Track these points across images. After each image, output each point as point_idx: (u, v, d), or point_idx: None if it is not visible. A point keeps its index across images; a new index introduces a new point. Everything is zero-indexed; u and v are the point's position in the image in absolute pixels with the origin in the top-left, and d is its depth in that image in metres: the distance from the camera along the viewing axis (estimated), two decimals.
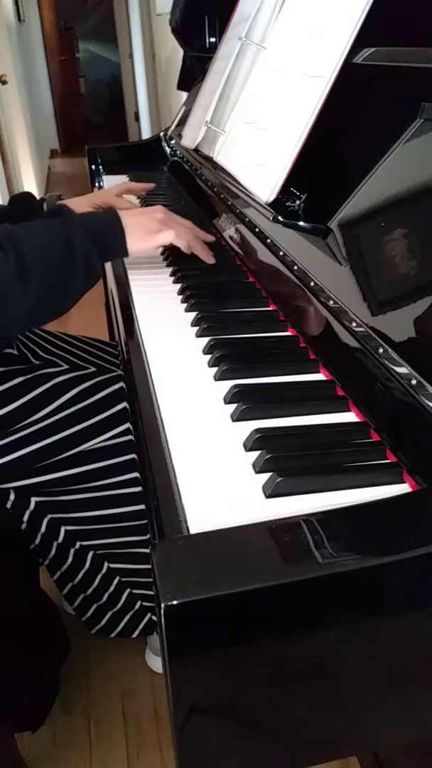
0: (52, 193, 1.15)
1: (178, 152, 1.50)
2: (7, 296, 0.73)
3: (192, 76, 1.58)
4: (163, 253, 0.99)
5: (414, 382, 0.51)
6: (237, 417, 0.58)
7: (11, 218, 1.05)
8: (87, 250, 0.77)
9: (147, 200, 1.29)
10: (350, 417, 0.58)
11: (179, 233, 0.86)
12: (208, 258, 0.90)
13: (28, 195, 1.16)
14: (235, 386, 0.61)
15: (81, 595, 1.04)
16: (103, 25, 7.42)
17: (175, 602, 0.37)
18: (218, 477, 0.50)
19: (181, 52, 1.64)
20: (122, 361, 0.78)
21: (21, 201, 1.12)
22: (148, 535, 0.53)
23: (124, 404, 0.92)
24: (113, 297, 0.91)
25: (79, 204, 1.10)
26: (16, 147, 3.81)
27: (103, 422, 0.91)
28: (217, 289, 0.84)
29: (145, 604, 1.06)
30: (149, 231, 0.84)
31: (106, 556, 1.01)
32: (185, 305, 0.81)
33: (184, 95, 1.66)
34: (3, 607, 0.96)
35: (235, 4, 1.05)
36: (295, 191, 0.78)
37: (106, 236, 0.81)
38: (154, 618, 1.07)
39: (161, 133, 1.68)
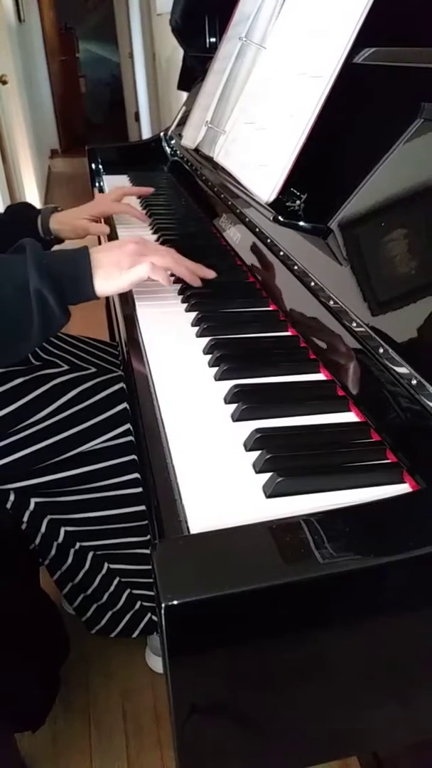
0: (48, 205, 1.13)
1: (178, 152, 1.50)
2: None
3: (192, 76, 1.58)
4: None
5: (414, 382, 0.51)
6: (237, 417, 0.58)
7: (5, 230, 1.05)
8: (43, 294, 0.70)
9: (147, 201, 1.29)
10: (350, 417, 0.58)
11: (157, 262, 0.77)
12: (193, 280, 0.83)
13: (24, 207, 1.14)
14: (236, 386, 0.61)
15: (81, 595, 1.04)
16: (103, 25, 7.42)
17: (175, 602, 0.37)
18: (218, 477, 0.50)
19: (181, 51, 1.64)
20: (122, 361, 0.78)
21: (16, 213, 1.12)
22: (148, 536, 0.52)
23: (124, 405, 0.92)
24: (113, 297, 0.91)
25: (74, 216, 1.09)
26: (16, 147, 3.81)
27: (103, 423, 0.91)
28: (217, 289, 0.84)
29: (145, 604, 1.06)
30: (121, 268, 0.75)
31: (106, 556, 1.01)
32: (185, 305, 0.81)
33: (184, 95, 1.66)
34: (3, 607, 0.96)
35: (235, 4, 1.05)
36: (295, 191, 0.78)
37: (70, 279, 0.73)
38: (154, 618, 1.07)
39: (161, 133, 1.68)
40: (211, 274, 0.84)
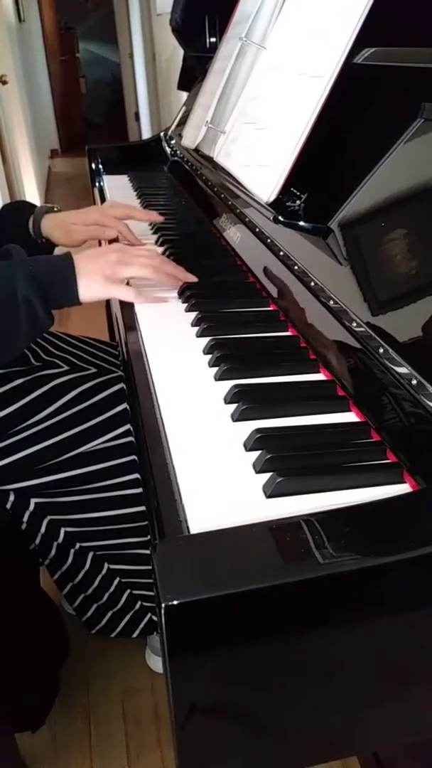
0: (45, 204, 1.06)
1: (178, 152, 1.50)
2: None
3: (192, 76, 1.58)
4: (163, 253, 0.99)
5: (414, 382, 0.51)
6: (237, 417, 0.58)
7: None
8: (30, 300, 0.72)
9: (147, 201, 1.29)
10: (350, 417, 0.58)
11: (137, 273, 0.80)
12: (175, 284, 0.84)
13: (19, 206, 1.08)
14: (236, 386, 0.61)
15: (81, 595, 1.04)
16: (103, 25, 7.42)
17: (175, 602, 0.37)
18: (218, 477, 0.50)
19: (181, 52, 1.64)
20: (122, 361, 0.78)
21: (12, 210, 1.07)
22: (148, 536, 0.52)
23: (124, 405, 0.92)
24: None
25: (68, 221, 1.01)
26: (16, 147, 3.81)
27: (103, 423, 0.91)
28: (217, 289, 0.84)
29: (145, 604, 1.06)
30: (105, 276, 0.77)
31: (106, 556, 1.01)
32: (185, 305, 0.81)
33: (184, 95, 1.66)
34: (3, 607, 0.96)
35: (236, 4, 1.05)
36: (295, 191, 0.78)
37: (55, 284, 0.75)
38: (154, 618, 1.07)
39: (161, 133, 1.68)
40: (191, 278, 0.85)
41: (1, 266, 0.74)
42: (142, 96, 4.79)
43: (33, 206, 1.05)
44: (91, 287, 0.77)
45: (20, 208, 1.06)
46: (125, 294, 0.79)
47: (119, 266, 0.79)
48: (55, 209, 1.05)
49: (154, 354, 0.69)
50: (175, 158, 1.52)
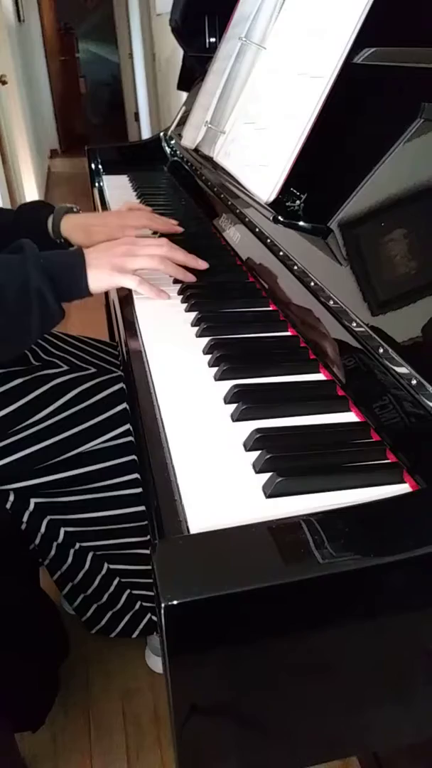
0: (63, 204, 1.04)
1: (178, 152, 1.50)
2: None
3: (192, 76, 1.58)
4: None
5: (414, 382, 0.51)
6: (237, 417, 0.58)
7: (16, 229, 1.00)
8: (43, 292, 0.74)
9: (147, 202, 1.29)
10: (350, 417, 0.58)
11: (145, 264, 0.81)
12: (185, 277, 0.85)
13: (37, 206, 1.06)
14: (236, 386, 0.61)
15: (81, 595, 1.04)
16: (103, 25, 7.41)
17: (175, 602, 0.37)
18: (218, 477, 0.50)
19: (181, 52, 1.64)
20: (122, 361, 0.78)
21: (29, 211, 1.05)
22: (148, 536, 0.52)
23: (124, 405, 0.92)
24: (113, 298, 0.91)
25: (90, 223, 1.00)
26: (16, 147, 3.81)
27: (103, 423, 0.91)
28: (217, 289, 0.84)
29: (144, 604, 1.06)
30: (113, 267, 0.80)
31: (106, 556, 1.01)
32: (185, 305, 0.81)
33: (184, 95, 1.66)
34: (3, 607, 0.96)
35: (235, 4, 1.05)
36: (295, 191, 0.78)
37: (66, 277, 0.78)
38: (154, 618, 1.07)
39: (161, 133, 1.68)
40: (202, 265, 0.87)
41: (13, 260, 0.76)
42: (142, 96, 4.79)
43: (52, 206, 1.04)
44: (99, 277, 0.79)
45: (39, 208, 1.05)
46: (128, 282, 0.81)
47: (128, 258, 0.81)
48: (75, 210, 1.04)
49: (153, 354, 0.69)
50: (175, 158, 1.52)
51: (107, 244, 0.84)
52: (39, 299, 0.74)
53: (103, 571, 1.02)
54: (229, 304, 0.80)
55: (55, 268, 0.77)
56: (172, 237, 0.98)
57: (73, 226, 1.01)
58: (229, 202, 0.99)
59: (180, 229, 1.04)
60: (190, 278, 0.85)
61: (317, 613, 0.41)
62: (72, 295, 0.79)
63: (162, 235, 0.99)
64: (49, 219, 1.01)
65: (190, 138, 1.14)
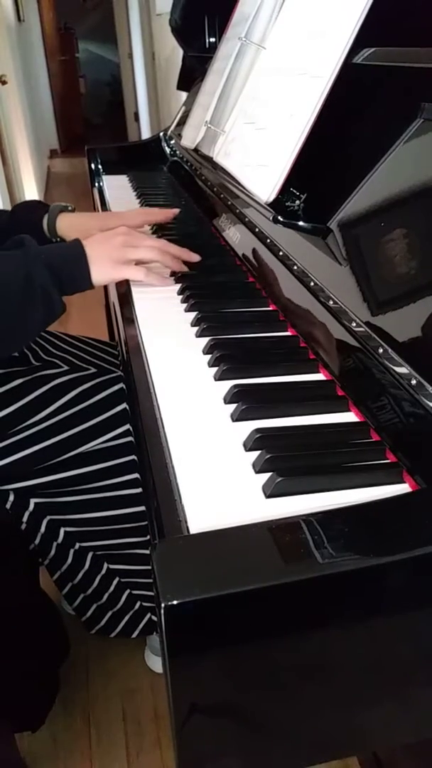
0: (58, 203, 1.04)
1: (177, 152, 1.50)
2: None
3: (192, 76, 1.58)
4: None
5: (414, 382, 0.51)
6: (237, 417, 0.58)
7: (12, 229, 1.01)
8: (47, 287, 0.75)
9: (147, 202, 1.29)
10: (350, 417, 0.58)
11: (144, 256, 0.83)
12: (180, 268, 0.87)
13: (33, 205, 1.07)
14: (235, 386, 0.61)
15: (81, 595, 1.04)
16: (103, 25, 7.42)
17: (175, 602, 0.37)
18: (218, 477, 0.50)
19: (180, 52, 1.64)
20: (122, 361, 0.78)
21: (24, 210, 1.06)
22: (148, 536, 0.53)
23: (124, 405, 0.92)
24: (113, 297, 0.91)
25: (86, 225, 0.99)
26: (15, 147, 3.81)
27: (103, 423, 0.91)
28: (217, 289, 0.84)
29: (144, 604, 1.06)
30: (115, 260, 0.81)
31: (105, 556, 1.01)
32: (185, 305, 0.81)
33: (184, 95, 1.66)
34: (3, 607, 0.96)
35: (235, 4, 1.05)
36: (295, 191, 0.78)
37: (69, 270, 0.78)
38: (153, 618, 1.07)
39: (161, 133, 1.68)
40: (195, 257, 0.89)
41: (15, 255, 0.77)
42: (142, 96, 4.79)
43: (46, 205, 1.05)
44: (102, 270, 0.80)
45: (33, 207, 1.06)
46: (135, 274, 0.82)
47: (127, 249, 0.82)
48: (69, 208, 1.05)
49: (153, 354, 0.69)
50: (175, 158, 1.52)
51: (104, 234, 0.85)
52: (43, 293, 0.75)
53: (103, 571, 1.02)
54: (228, 304, 0.80)
55: (57, 262, 0.77)
56: (169, 236, 0.99)
57: (69, 226, 1.01)
58: (229, 202, 0.99)
59: (176, 210, 1.07)
60: (183, 268, 0.88)
61: (317, 613, 0.41)
62: (75, 288, 0.80)
63: (157, 230, 1.00)
64: (44, 218, 1.02)
65: (190, 138, 1.14)
